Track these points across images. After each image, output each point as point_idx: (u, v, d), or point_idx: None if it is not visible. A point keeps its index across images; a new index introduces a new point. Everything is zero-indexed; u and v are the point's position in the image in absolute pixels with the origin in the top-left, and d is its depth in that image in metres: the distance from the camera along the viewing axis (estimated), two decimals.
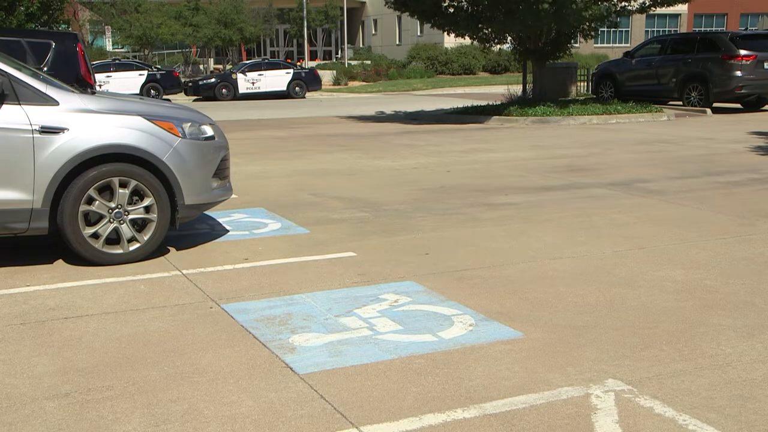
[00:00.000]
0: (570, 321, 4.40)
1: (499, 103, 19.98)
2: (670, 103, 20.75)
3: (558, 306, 4.67)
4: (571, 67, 22.84)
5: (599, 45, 49.86)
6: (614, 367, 3.72)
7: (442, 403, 3.37)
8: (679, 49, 20.62)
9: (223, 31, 42.47)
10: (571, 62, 23.16)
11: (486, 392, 3.47)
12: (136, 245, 5.74)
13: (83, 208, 5.53)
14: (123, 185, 5.63)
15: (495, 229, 6.81)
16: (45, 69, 9.50)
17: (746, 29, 36.66)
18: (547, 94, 19.96)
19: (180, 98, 29.82)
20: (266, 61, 35.10)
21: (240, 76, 31.13)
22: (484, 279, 5.25)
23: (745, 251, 5.90)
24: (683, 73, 20.24)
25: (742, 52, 19.24)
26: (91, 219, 5.60)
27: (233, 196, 7.24)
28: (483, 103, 21.13)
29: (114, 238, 5.67)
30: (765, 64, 19.25)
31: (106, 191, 5.61)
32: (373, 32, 57.37)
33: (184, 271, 5.52)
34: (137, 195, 5.70)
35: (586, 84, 25.49)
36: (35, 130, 5.40)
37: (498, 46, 20.75)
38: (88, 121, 5.55)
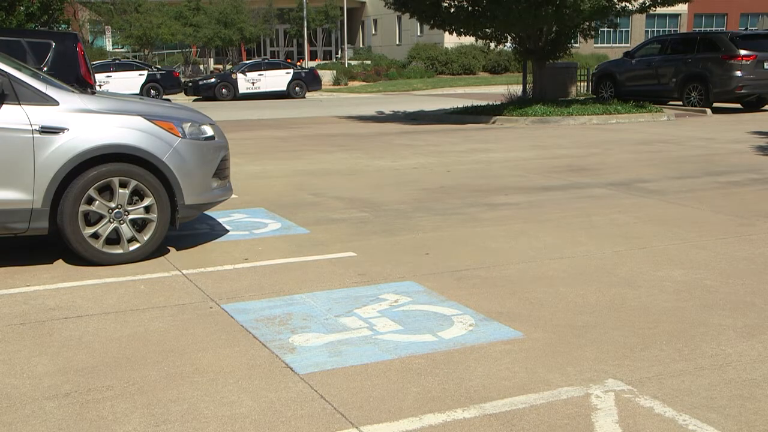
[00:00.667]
0: (570, 321, 4.40)
1: (499, 103, 19.98)
2: (670, 103, 20.75)
3: (558, 306, 4.67)
4: (571, 67, 22.84)
5: (599, 45, 49.85)
6: (614, 367, 3.72)
7: (442, 403, 3.37)
8: (679, 49, 20.62)
9: (223, 31, 42.46)
10: (571, 62, 23.17)
11: (486, 392, 3.47)
12: (136, 245, 5.74)
13: (83, 208, 5.53)
14: (123, 185, 5.63)
15: (495, 229, 6.81)
16: (45, 69, 9.50)
17: (746, 29, 36.70)
18: (547, 94, 19.97)
19: (180, 98, 29.82)
20: (266, 61, 35.07)
21: (240, 76, 31.12)
22: (484, 279, 5.25)
23: (745, 251, 5.90)
24: (683, 73, 20.23)
25: (742, 52, 19.24)
26: (91, 219, 5.60)
27: (233, 196, 7.24)
28: (483, 103, 21.13)
29: (114, 238, 5.67)
30: (765, 64, 19.25)
31: (106, 191, 5.61)
32: (373, 32, 57.38)
33: (184, 271, 5.52)
34: (137, 195, 5.70)
35: (586, 84, 25.47)
36: (35, 130, 5.40)
37: (498, 46, 20.72)
38: (88, 121, 5.55)
